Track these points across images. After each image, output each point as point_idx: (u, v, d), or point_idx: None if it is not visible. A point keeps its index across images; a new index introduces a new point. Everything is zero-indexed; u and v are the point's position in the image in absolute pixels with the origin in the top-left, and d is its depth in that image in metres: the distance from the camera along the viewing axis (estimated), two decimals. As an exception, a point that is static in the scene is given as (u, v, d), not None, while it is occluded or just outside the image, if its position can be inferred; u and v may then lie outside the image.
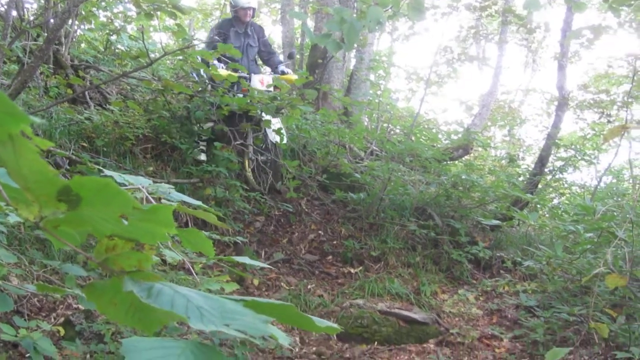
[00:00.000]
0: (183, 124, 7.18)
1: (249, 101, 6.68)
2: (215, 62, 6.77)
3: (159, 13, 6.30)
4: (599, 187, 9.78)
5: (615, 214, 5.34)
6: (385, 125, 10.60)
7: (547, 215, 9.25)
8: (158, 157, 6.98)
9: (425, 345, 5.41)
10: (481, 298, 6.42)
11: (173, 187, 2.01)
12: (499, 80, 13.89)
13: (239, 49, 7.44)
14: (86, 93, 7.33)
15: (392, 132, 11.00)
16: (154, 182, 1.96)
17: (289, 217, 7.33)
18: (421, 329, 5.56)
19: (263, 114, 6.80)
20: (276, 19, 18.05)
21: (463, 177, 7.68)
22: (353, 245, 6.87)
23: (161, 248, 2.65)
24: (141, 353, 0.76)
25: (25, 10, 7.32)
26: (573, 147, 9.56)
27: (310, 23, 11.74)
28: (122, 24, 8.96)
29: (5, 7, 6.64)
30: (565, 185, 10.63)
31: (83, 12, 7.76)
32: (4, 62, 6.84)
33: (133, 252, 0.97)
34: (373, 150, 9.59)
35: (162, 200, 1.90)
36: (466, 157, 10.88)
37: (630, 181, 11.10)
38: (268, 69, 8.22)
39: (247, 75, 7.12)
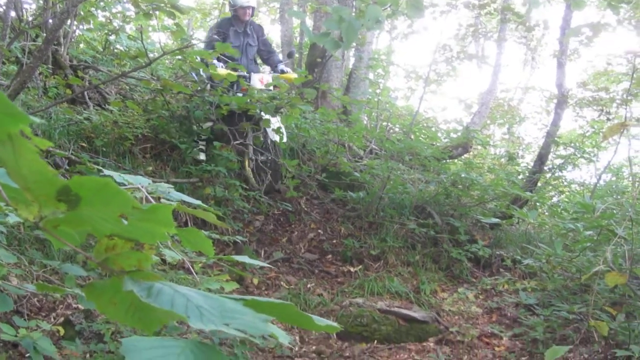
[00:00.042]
0: (182, 124, 7.18)
1: (248, 100, 6.67)
2: (215, 61, 6.77)
3: (157, 13, 6.30)
4: (598, 184, 9.79)
5: (614, 211, 5.34)
6: (384, 123, 10.60)
7: (546, 213, 9.26)
8: (157, 157, 6.98)
9: (424, 343, 5.41)
10: (481, 296, 6.43)
11: (172, 186, 2.02)
12: (498, 78, 13.91)
13: (238, 48, 7.44)
14: (85, 93, 7.32)
15: (391, 130, 11.00)
16: (154, 181, 1.96)
17: (288, 216, 7.33)
18: (421, 328, 5.56)
19: (262, 113, 6.80)
20: (275, 18, 18.05)
21: (462, 175, 7.68)
22: (352, 244, 6.88)
23: (161, 247, 2.65)
24: (141, 352, 0.76)
25: (23, 10, 7.32)
26: (572, 145, 9.56)
27: (309, 22, 11.75)
28: (121, 24, 8.96)
29: (4, 7, 6.64)
30: (565, 183, 10.62)
31: (82, 13, 7.76)
32: (3, 63, 6.84)
33: (133, 251, 0.97)
34: (372, 149, 9.59)
35: (162, 200, 1.90)
36: (465, 155, 10.88)
37: (630, 179, 11.11)
38: (267, 68, 8.22)
39: (247, 75, 7.12)
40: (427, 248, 7.09)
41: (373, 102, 10.14)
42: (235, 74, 6.60)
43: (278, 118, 7.07)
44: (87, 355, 3.76)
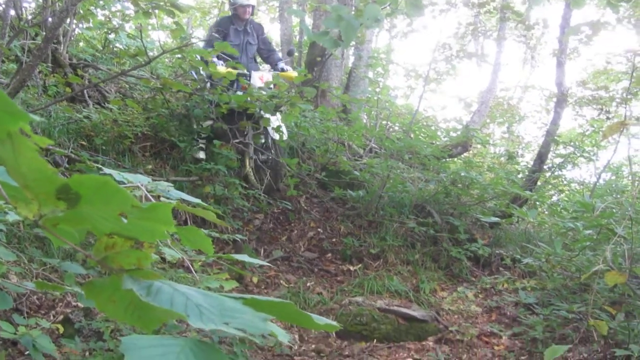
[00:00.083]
0: (182, 122, 7.18)
1: (247, 99, 6.67)
2: (215, 59, 6.77)
3: (157, 11, 6.30)
4: (598, 184, 9.78)
5: (614, 210, 5.34)
6: (384, 122, 10.61)
7: (546, 212, 9.25)
8: (157, 155, 6.98)
9: (424, 342, 5.41)
10: (480, 295, 6.43)
11: (172, 185, 2.01)
12: (497, 77, 13.91)
13: (238, 46, 7.44)
14: (85, 92, 7.32)
15: (391, 129, 11.01)
16: (153, 180, 1.96)
17: (288, 214, 7.33)
18: (420, 327, 5.57)
19: (262, 112, 6.79)
20: (274, 16, 18.04)
21: (462, 174, 7.68)
22: (352, 243, 6.88)
23: (160, 246, 2.65)
24: (140, 351, 0.76)
25: (23, 9, 7.32)
26: (572, 143, 9.57)
27: (309, 20, 11.75)
28: (120, 22, 8.95)
29: (4, 6, 6.63)
30: (565, 182, 10.63)
31: (81, 11, 7.75)
32: (3, 61, 6.83)
33: (132, 250, 0.97)
34: (372, 148, 9.59)
35: (161, 198, 1.90)
36: (465, 154, 10.87)
37: (630, 178, 11.11)
38: (267, 67, 8.21)
39: (247, 73, 7.11)
40: (427, 247, 7.10)
41: (373, 101, 10.14)
42: (235, 71, 6.60)
43: (278, 116, 7.07)
44: (87, 353, 3.76)
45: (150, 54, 7.03)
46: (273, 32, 16.39)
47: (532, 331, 5.28)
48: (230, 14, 7.86)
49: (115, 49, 9.37)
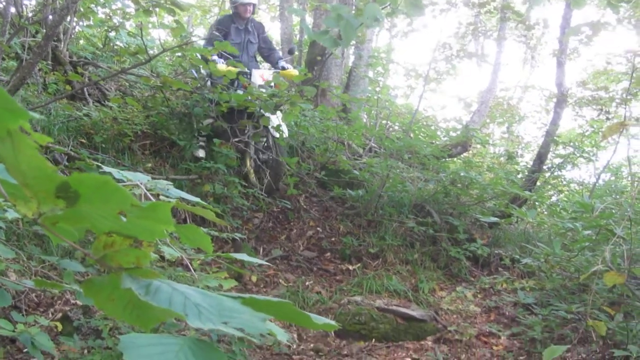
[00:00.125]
0: (182, 121, 7.18)
1: (247, 98, 6.67)
2: (215, 57, 6.77)
3: (157, 9, 6.30)
4: (597, 184, 9.79)
5: (613, 211, 5.35)
6: (384, 122, 10.60)
7: (545, 212, 9.27)
8: (157, 154, 6.98)
9: (423, 342, 5.41)
10: (479, 295, 6.43)
11: (171, 183, 2.02)
12: (497, 77, 13.92)
13: (239, 45, 7.44)
14: (85, 89, 7.32)
15: (390, 129, 11.01)
16: (153, 178, 1.96)
17: (287, 213, 7.33)
18: (419, 326, 5.57)
19: (262, 111, 6.79)
20: (275, 15, 18.06)
21: (461, 174, 7.68)
22: (351, 242, 6.88)
23: (159, 244, 2.65)
24: (139, 349, 0.76)
25: (23, 6, 7.32)
26: (572, 144, 9.57)
27: (309, 20, 11.73)
28: (121, 20, 8.95)
29: (4, 3, 6.63)
30: (564, 183, 10.64)
31: (82, 9, 7.75)
32: (3, 59, 6.83)
33: (131, 248, 0.97)
34: (372, 147, 9.59)
35: (161, 197, 1.90)
36: (465, 154, 10.88)
37: (629, 178, 11.12)
38: (267, 65, 8.21)
39: (248, 71, 7.11)
40: (426, 246, 7.10)
41: (373, 100, 10.14)
42: (236, 70, 6.60)
43: (278, 115, 7.06)
44: (85, 351, 3.76)
45: (151, 52, 7.01)
46: (273, 31, 16.41)
47: (530, 331, 5.28)
48: (231, 12, 7.86)
49: (115, 47, 9.36)
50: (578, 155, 9.18)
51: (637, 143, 12.54)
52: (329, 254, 6.89)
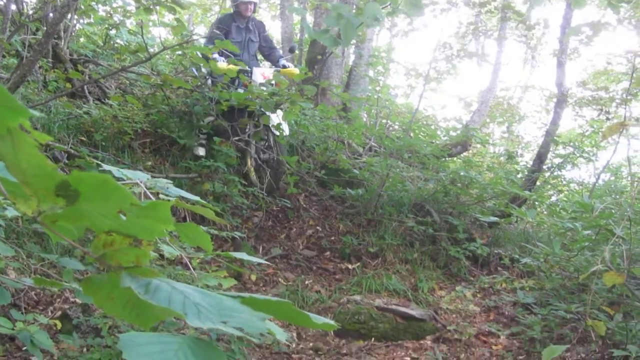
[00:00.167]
0: (182, 119, 7.17)
1: (248, 96, 6.66)
2: (216, 55, 6.76)
3: (158, 8, 6.30)
4: (597, 184, 9.79)
5: (613, 211, 5.34)
6: (384, 121, 10.59)
7: (545, 212, 9.27)
8: (156, 152, 6.98)
9: (422, 341, 5.41)
10: (478, 295, 6.43)
11: (171, 182, 2.01)
12: (498, 76, 13.92)
13: (240, 43, 7.44)
14: (85, 87, 7.31)
15: (390, 128, 11.00)
16: (152, 176, 1.96)
17: (287, 212, 7.33)
18: (418, 326, 5.57)
19: (262, 110, 6.78)
20: (275, 14, 18.05)
21: (461, 173, 7.67)
22: (351, 241, 6.88)
23: (159, 243, 2.65)
24: (138, 348, 0.76)
25: (24, 4, 7.31)
26: (571, 144, 9.57)
27: (310, 19, 11.72)
28: (121, 18, 8.95)
29: (5, 0, 6.63)
30: (564, 183, 10.64)
31: (82, 7, 7.75)
32: (3, 56, 6.83)
33: (131, 247, 0.97)
34: (372, 146, 9.59)
35: (160, 195, 1.90)
36: (465, 153, 10.88)
37: (629, 178, 11.12)
38: (268, 64, 8.21)
39: (249, 70, 7.11)
40: (426, 246, 7.10)
41: (373, 100, 10.14)
42: (237, 68, 6.60)
43: (278, 114, 7.06)
44: (84, 350, 3.76)
45: (151, 50, 7.00)
46: (274, 30, 16.42)
47: (530, 331, 5.28)
48: (232, 11, 7.86)
49: (116, 45, 9.36)
50: (578, 155, 9.18)
51: (637, 143, 12.55)
52: (328, 253, 6.89)
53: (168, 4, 5.99)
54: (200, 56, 6.63)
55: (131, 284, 0.86)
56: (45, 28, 6.26)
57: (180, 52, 7.03)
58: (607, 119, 11.29)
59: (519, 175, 9.54)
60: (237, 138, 6.89)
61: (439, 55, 15.64)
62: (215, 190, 6.40)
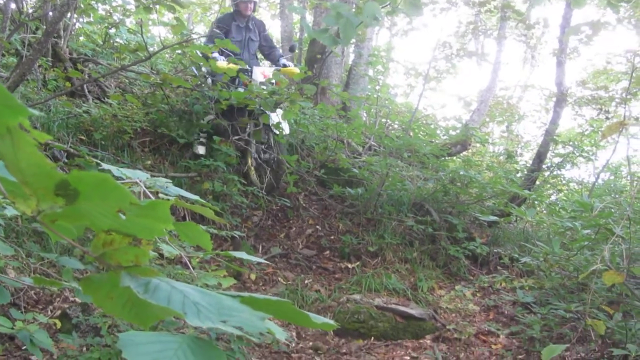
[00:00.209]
0: (181, 118, 7.17)
1: (248, 95, 6.66)
2: (216, 54, 6.76)
3: (157, 7, 6.30)
4: (596, 183, 9.79)
5: (612, 210, 5.34)
6: (383, 120, 10.59)
7: (544, 211, 9.26)
8: (156, 151, 6.97)
9: (421, 340, 5.41)
10: (478, 294, 6.43)
11: (171, 181, 2.01)
12: (497, 76, 13.91)
13: (240, 43, 7.44)
14: (85, 86, 7.31)
15: (390, 127, 11.00)
16: (152, 175, 1.96)
17: (286, 211, 7.33)
18: (418, 325, 5.57)
19: (262, 109, 6.78)
20: (275, 13, 18.05)
21: (461, 173, 7.67)
22: (350, 241, 6.87)
23: (158, 242, 2.65)
24: (138, 347, 0.76)
25: (24, 2, 7.31)
26: (571, 143, 9.57)
27: (309, 18, 11.72)
28: (121, 17, 8.95)
29: (4, -1, 6.63)
30: (563, 182, 10.64)
31: (82, 5, 7.75)
32: (3, 55, 6.83)
33: (130, 246, 0.97)
34: (371, 146, 9.58)
35: (160, 195, 1.90)
36: (464, 153, 10.87)
37: (628, 178, 11.12)
38: (268, 63, 8.21)
39: (249, 69, 7.11)
40: (425, 245, 7.10)
41: (372, 99, 10.14)
42: (237, 67, 6.60)
43: (278, 113, 7.05)
44: (84, 349, 3.76)
45: (151, 49, 7.02)
46: (274, 29, 16.41)
47: (529, 330, 5.28)
48: (232, 10, 7.86)
49: (115, 43, 9.36)
50: (577, 154, 9.18)
51: (637, 142, 12.58)
52: (328, 252, 6.89)
53: (168, 3, 5.99)
54: (200, 55, 6.63)
55: (130, 283, 0.86)
56: (44, 27, 6.26)
57: (179, 51, 7.03)
58: (607, 118, 11.29)
59: (519, 175, 9.55)
60: (237, 137, 6.89)
61: (438, 55, 15.66)
62: (214, 189, 6.40)
